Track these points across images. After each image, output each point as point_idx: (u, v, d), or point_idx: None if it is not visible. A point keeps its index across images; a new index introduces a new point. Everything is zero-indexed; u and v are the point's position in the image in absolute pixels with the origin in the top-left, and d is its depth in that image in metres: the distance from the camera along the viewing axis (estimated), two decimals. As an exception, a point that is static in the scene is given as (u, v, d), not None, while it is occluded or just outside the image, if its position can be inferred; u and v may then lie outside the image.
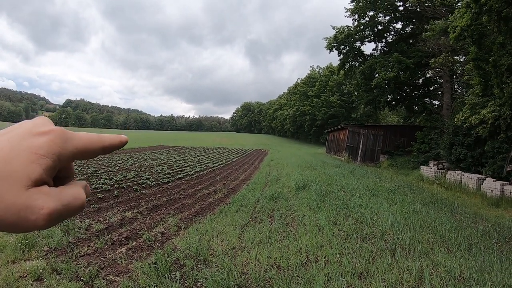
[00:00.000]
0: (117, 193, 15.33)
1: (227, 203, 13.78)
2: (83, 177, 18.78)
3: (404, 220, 10.50)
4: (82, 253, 8.29)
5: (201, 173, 24.33)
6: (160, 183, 19.03)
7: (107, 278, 6.90)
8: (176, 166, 27.79)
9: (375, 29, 41.32)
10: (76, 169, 21.73)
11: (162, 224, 11.17)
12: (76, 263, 7.51)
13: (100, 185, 16.63)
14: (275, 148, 70.02)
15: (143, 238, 9.56)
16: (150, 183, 18.54)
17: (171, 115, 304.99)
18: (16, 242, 7.98)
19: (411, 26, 41.16)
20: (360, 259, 7.29)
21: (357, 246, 8.16)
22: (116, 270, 7.38)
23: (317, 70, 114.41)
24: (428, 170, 25.93)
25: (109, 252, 8.53)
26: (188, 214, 12.56)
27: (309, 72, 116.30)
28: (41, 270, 6.78)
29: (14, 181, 0.47)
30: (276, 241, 8.48)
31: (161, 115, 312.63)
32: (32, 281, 6.51)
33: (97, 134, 0.64)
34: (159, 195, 15.83)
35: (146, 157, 35.61)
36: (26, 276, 6.67)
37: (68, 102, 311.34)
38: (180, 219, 11.74)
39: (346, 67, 45.14)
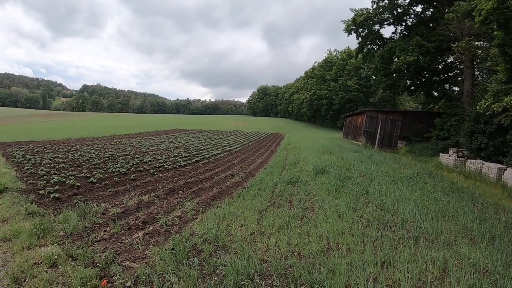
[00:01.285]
0: (134, 176, 15.21)
1: (245, 187, 13.61)
2: (99, 161, 18.76)
3: (425, 208, 10.22)
4: (98, 238, 8.16)
5: (218, 157, 24.13)
6: (177, 167, 18.84)
7: (124, 264, 6.72)
8: (192, 150, 27.62)
9: (395, 12, 39.88)
10: (94, 153, 21.77)
11: (180, 208, 10.91)
12: (92, 249, 7.37)
13: (117, 168, 16.59)
14: (292, 132, 69.44)
15: (160, 222, 9.32)
16: (167, 166, 18.35)
17: (187, 98, 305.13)
18: (32, 227, 7.91)
19: (431, 9, 39.62)
20: (382, 247, 7.05)
21: (378, 234, 7.90)
22: (133, 256, 7.17)
23: (334, 53, 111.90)
24: (448, 158, 25.11)
25: (126, 237, 8.36)
26: (205, 198, 12.31)
27: (326, 56, 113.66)
28: (56, 256, 6.64)
29: None
30: (296, 227, 8.26)
31: (178, 99, 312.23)
32: (47, 268, 6.40)
33: None
34: (176, 179, 15.62)
35: (162, 141, 35.56)
36: (41, 263, 6.56)
37: (85, 88, 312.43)
38: (198, 203, 11.50)
39: (365, 50, 44.08)
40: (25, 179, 13.81)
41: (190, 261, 6.50)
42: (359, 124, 43.45)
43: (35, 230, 7.71)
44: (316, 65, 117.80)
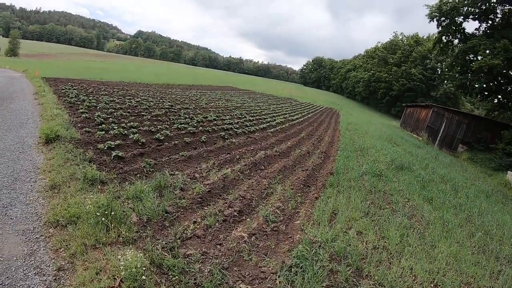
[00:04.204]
0: (204, 138, 12.89)
1: (331, 173, 11.88)
2: (160, 113, 16.52)
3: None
4: (188, 233, 5.75)
5: (283, 126, 21.94)
6: (246, 132, 16.79)
7: (240, 288, 4.37)
8: (253, 113, 25.44)
9: (483, 6, 35.28)
10: (151, 101, 19.81)
11: (273, 194, 8.72)
12: (185, 254, 5.04)
13: (182, 124, 14.57)
14: (346, 110, 65.84)
15: (260, 214, 7.14)
16: (236, 130, 16.20)
17: (240, 57, 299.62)
18: (95, 210, 5.39)
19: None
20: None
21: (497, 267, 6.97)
22: (247, 274, 5.00)
23: (400, 37, 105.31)
24: (517, 178, 21.51)
25: (223, 233, 6.07)
26: (295, 181, 10.15)
27: (391, 38, 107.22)
28: (139, 267, 4.21)
29: None
30: (417, 245, 7.11)
31: (230, 56, 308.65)
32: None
33: None
34: (251, 148, 13.49)
35: (218, 97, 33.48)
36: (119, 285, 4.03)
37: (140, 33, 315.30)
38: (292, 188, 9.32)
39: (443, 41, 39.86)
40: (79, 125, 11.57)
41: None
42: (422, 118, 40.19)
43: (100, 216, 5.15)
44: (379, 45, 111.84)
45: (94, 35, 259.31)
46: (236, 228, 6.28)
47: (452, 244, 7.54)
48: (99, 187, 6.68)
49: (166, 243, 5.20)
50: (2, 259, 4.40)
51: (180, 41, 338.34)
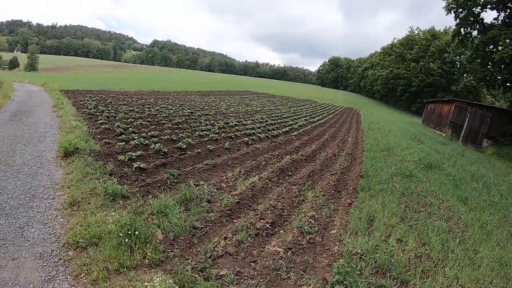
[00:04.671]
0: (228, 145, 12.51)
1: (360, 175, 11.44)
2: (180, 120, 16.21)
3: None
4: (219, 250, 5.27)
5: (305, 129, 21.45)
6: (270, 136, 16.31)
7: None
8: (274, 116, 25.09)
9: None
10: (171, 109, 19.58)
11: (304, 201, 8.24)
12: (219, 279, 4.52)
13: (204, 132, 14.20)
14: (366, 109, 65.04)
15: (294, 225, 6.62)
16: (259, 135, 15.74)
17: (256, 61, 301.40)
18: (118, 230, 4.95)
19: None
20: None
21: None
22: None
23: (416, 32, 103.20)
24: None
25: (257, 249, 5.57)
26: (326, 187, 9.58)
27: (407, 34, 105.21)
28: None
29: None
30: (459, 250, 6.69)
31: (246, 61, 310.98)
32: None
33: None
34: (276, 153, 12.93)
35: (238, 102, 33.31)
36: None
37: (155, 42, 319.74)
38: (323, 194, 8.75)
39: (462, 34, 38.73)
40: (99, 136, 11.26)
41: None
42: (445, 113, 38.92)
43: (123, 236, 4.70)
44: (395, 41, 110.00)
45: (111, 47, 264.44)
46: (270, 242, 5.77)
47: (494, 247, 7.14)
48: (121, 202, 6.27)
49: (196, 263, 4.73)
50: (18, 287, 4.01)
51: (195, 48, 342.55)
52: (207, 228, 5.87)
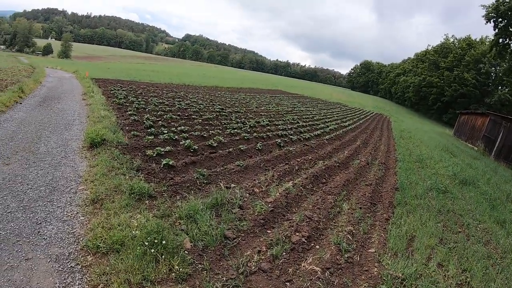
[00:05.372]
0: (260, 146, 11.95)
1: (396, 188, 10.90)
2: (211, 115, 15.81)
3: None
4: (252, 266, 4.78)
5: (337, 133, 20.76)
6: (302, 139, 15.75)
7: None
8: (305, 118, 24.48)
9: None
10: (201, 104, 19.18)
11: (340, 213, 7.74)
12: None
13: (235, 130, 13.80)
14: (396, 116, 63.47)
15: (331, 240, 6.06)
16: (291, 137, 15.20)
17: (287, 61, 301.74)
18: (143, 237, 4.49)
19: None
20: None
21: None
22: None
23: (452, 40, 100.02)
24: None
25: (292, 266, 5.06)
26: (361, 199, 9.08)
27: (442, 41, 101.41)
28: None
29: None
30: (499, 279, 6.18)
31: (277, 60, 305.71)
32: None
33: None
34: (309, 157, 12.39)
35: (268, 101, 32.72)
36: None
37: (187, 37, 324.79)
38: (360, 207, 8.24)
39: (500, 44, 37.18)
40: (127, 128, 10.92)
41: None
42: (478, 126, 37.43)
43: (149, 245, 4.22)
44: (429, 48, 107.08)
45: (143, 39, 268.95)
46: (306, 259, 5.23)
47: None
48: (147, 202, 5.83)
49: (226, 280, 4.23)
50: (28, 294, 3.59)
51: (227, 44, 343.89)
52: (239, 239, 5.36)
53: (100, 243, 4.43)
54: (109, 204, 5.50)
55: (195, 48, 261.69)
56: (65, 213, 5.24)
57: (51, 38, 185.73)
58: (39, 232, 4.68)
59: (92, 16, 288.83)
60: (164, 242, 4.31)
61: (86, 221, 5.08)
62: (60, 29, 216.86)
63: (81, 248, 4.43)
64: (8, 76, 21.61)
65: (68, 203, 5.55)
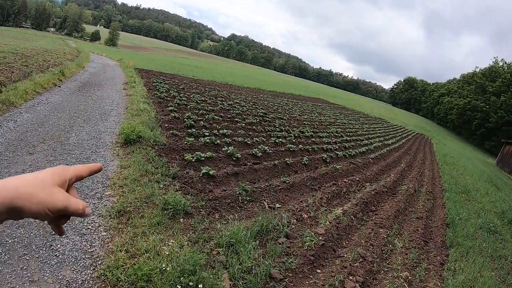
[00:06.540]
0: (306, 160, 11.02)
1: (446, 224, 10.19)
2: (254, 120, 15.05)
3: None
4: None
5: (381, 152, 19.68)
6: (347, 156, 14.87)
7: None
8: (348, 132, 23.56)
9: None
10: (244, 106, 18.49)
11: (393, 251, 6.82)
12: None
13: (280, 139, 12.95)
14: (438, 137, 61.14)
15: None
16: (337, 152, 14.28)
17: (330, 70, 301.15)
18: (175, 275, 3.59)
19: None
20: None
21: None
22: None
23: (501, 63, 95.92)
24: None
25: None
26: (413, 234, 8.16)
27: (491, 64, 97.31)
28: None
29: (48, 183, 0.77)
30: None
31: (320, 68, 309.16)
32: None
33: (84, 165, 0.88)
34: (356, 178, 11.43)
35: (311, 109, 31.95)
36: None
37: (233, 36, 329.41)
38: (414, 246, 7.31)
39: None
40: (166, 125, 10.25)
41: None
42: None
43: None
44: (477, 71, 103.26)
45: (189, 34, 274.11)
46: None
47: None
48: (182, 221, 4.97)
49: None
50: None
51: (271, 47, 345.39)
52: (286, 280, 4.43)
53: (121, 274, 3.59)
54: (138, 220, 4.66)
55: (240, 49, 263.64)
56: (84, 224, 4.46)
57: (99, 26, 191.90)
58: (51, 246, 3.93)
59: (142, 8, 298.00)
60: (200, 286, 3.43)
61: (108, 238, 4.27)
62: (109, 17, 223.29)
63: (97, 277, 3.61)
64: (52, 57, 21.60)
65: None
